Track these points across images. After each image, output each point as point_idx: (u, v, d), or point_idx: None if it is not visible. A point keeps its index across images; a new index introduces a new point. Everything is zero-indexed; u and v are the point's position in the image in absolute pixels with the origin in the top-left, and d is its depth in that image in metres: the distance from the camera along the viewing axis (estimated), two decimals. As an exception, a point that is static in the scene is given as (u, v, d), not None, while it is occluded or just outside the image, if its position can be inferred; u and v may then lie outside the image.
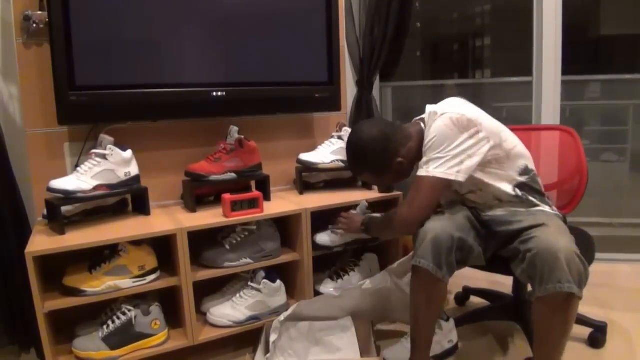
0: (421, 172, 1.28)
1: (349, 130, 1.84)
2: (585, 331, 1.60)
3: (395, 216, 1.32)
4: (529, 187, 1.36)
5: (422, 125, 1.37)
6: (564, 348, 1.17)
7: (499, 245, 1.33)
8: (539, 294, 1.12)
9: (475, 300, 1.93)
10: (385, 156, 1.35)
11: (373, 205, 1.75)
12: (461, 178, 1.25)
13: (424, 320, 1.32)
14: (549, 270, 1.09)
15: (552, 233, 1.17)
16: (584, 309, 1.70)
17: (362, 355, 1.46)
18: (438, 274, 1.22)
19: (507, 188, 1.34)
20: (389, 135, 1.35)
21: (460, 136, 1.25)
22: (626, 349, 1.57)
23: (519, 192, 1.34)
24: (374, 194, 1.79)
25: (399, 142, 1.36)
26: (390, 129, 1.37)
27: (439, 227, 1.23)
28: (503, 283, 1.83)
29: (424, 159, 1.30)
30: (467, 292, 1.94)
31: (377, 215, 1.59)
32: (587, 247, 1.44)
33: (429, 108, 1.37)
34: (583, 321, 1.59)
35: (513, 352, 1.58)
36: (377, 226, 1.52)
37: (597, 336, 1.57)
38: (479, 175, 1.32)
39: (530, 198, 1.36)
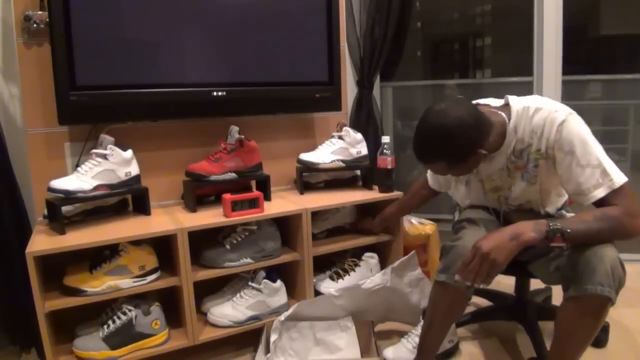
0: (608, 186, 1.11)
1: (350, 129, 1.84)
2: (587, 331, 1.59)
3: (626, 228, 1.12)
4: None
5: (504, 117, 1.21)
6: (583, 353, 1.13)
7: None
8: (573, 293, 1.07)
9: (477, 300, 1.93)
10: (472, 145, 1.15)
11: (373, 205, 1.75)
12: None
13: (438, 328, 1.30)
14: (591, 271, 1.04)
15: None
16: (585, 308, 1.70)
17: (362, 355, 1.46)
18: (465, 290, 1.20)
19: (553, 210, 1.33)
20: (480, 122, 1.15)
21: (592, 137, 1.15)
22: (628, 349, 1.56)
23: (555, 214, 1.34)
24: (374, 194, 1.79)
25: (487, 131, 1.17)
26: (478, 113, 1.17)
27: (469, 244, 1.14)
28: (505, 283, 1.83)
29: (593, 172, 1.11)
30: (468, 292, 1.94)
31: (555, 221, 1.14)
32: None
33: (519, 102, 1.21)
34: (584, 321, 1.59)
35: (515, 352, 1.57)
36: (584, 236, 1.11)
37: (599, 335, 1.57)
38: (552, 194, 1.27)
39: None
